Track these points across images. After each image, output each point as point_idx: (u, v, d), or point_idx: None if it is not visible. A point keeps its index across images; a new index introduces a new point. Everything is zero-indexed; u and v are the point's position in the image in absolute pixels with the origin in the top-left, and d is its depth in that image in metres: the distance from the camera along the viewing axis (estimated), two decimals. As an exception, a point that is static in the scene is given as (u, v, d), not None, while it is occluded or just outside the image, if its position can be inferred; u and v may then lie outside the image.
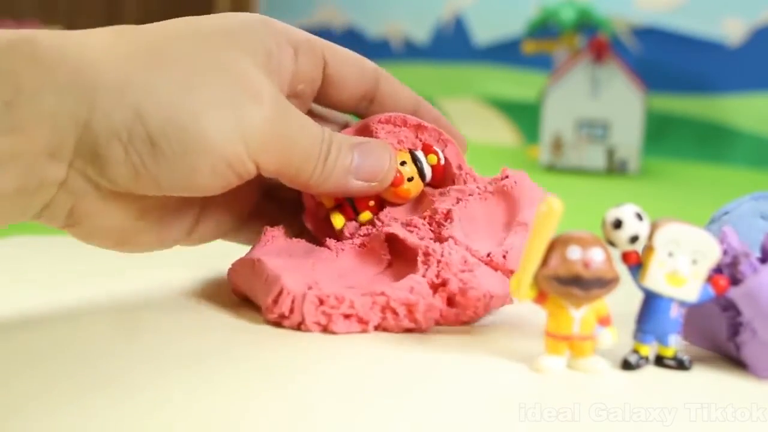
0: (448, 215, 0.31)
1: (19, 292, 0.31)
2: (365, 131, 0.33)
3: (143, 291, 0.32)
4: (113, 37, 0.26)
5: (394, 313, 0.28)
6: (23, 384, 0.22)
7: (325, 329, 0.28)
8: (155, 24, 0.28)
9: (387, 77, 0.34)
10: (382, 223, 0.32)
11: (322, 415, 0.21)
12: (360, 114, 0.34)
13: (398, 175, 0.31)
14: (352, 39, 2.14)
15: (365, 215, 0.32)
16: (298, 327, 0.28)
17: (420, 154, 0.32)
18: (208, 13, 0.30)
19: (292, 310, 0.28)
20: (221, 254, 0.34)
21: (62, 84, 0.24)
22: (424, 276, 0.29)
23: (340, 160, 0.29)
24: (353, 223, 0.32)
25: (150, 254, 0.31)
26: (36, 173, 0.24)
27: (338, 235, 0.32)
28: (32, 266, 0.37)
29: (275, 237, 0.32)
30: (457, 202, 0.32)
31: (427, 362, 0.25)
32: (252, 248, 0.31)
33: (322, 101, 0.33)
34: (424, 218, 0.31)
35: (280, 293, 0.28)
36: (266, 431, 0.20)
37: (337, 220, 0.32)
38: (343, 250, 0.31)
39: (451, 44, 1.97)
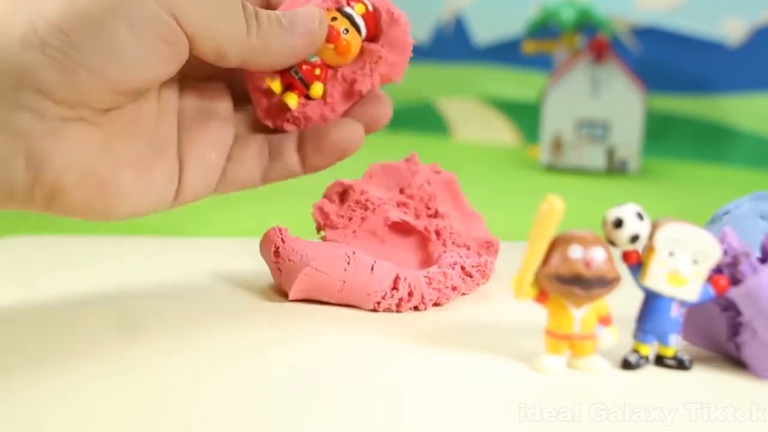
0: (432, 196, 0.36)
1: (19, 290, 0.31)
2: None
3: (144, 286, 0.32)
4: None
5: (470, 276, 0.33)
6: (25, 371, 0.22)
7: (437, 303, 0.31)
8: None
9: None
10: (374, 204, 0.35)
11: (321, 415, 0.21)
12: None
13: (334, 31, 0.31)
14: (352, 39, 2.14)
15: (316, 87, 0.32)
16: (415, 308, 0.31)
17: (347, 8, 0.32)
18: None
19: (411, 293, 0.31)
20: (216, 251, 0.34)
21: None
22: (444, 246, 0.34)
23: (273, 22, 0.29)
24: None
25: (150, 255, 0.31)
26: None
27: (295, 117, 0.32)
28: (32, 265, 0.37)
29: (291, 236, 0.32)
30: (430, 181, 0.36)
31: (426, 361, 0.25)
32: (281, 253, 0.31)
33: None
34: (413, 197, 0.36)
35: (396, 279, 0.31)
36: (256, 423, 0.20)
37: (291, 99, 0.32)
38: (341, 237, 0.34)
39: (451, 44, 1.97)
